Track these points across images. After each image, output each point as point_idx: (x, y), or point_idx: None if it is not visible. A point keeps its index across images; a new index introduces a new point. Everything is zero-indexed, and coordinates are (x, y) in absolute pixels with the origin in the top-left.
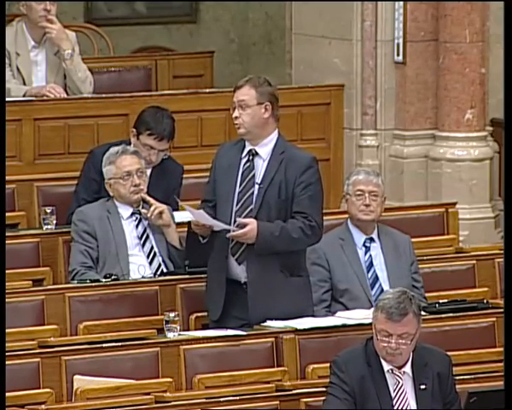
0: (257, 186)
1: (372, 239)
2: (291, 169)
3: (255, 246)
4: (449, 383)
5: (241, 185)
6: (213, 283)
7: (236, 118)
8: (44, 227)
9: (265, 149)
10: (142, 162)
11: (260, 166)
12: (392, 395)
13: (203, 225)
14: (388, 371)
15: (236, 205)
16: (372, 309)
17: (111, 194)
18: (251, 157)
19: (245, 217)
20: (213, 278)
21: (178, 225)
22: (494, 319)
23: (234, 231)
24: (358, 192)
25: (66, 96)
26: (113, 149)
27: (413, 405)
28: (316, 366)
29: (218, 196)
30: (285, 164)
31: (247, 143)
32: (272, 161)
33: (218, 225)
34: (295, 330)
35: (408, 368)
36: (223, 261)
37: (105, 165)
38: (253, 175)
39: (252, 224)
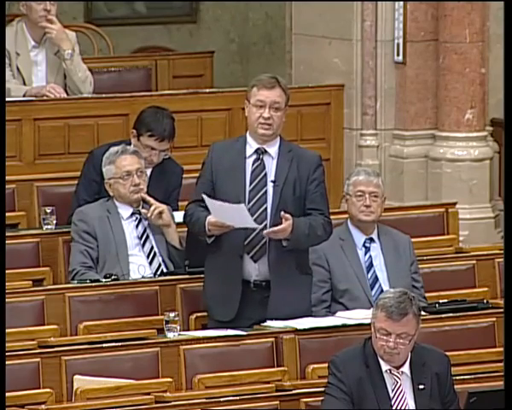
0: (271, 184)
1: (372, 239)
2: (303, 167)
3: (288, 242)
4: (447, 383)
5: (251, 184)
6: (224, 283)
7: (269, 118)
8: (44, 227)
9: (274, 147)
10: (141, 162)
11: (270, 165)
12: (391, 395)
13: (227, 226)
14: (386, 371)
15: (248, 204)
16: (372, 309)
17: (111, 194)
18: (260, 155)
19: (259, 215)
20: (224, 279)
21: (178, 225)
22: (494, 319)
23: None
24: (359, 193)
25: (66, 96)
26: (113, 149)
27: (411, 405)
28: (316, 366)
29: (222, 197)
30: (296, 162)
31: (250, 142)
32: (282, 159)
33: (248, 222)
34: (295, 330)
35: (406, 368)
36: (237, 261)
37: (105, 165)
38: (265, 174)
39: (290, 219)
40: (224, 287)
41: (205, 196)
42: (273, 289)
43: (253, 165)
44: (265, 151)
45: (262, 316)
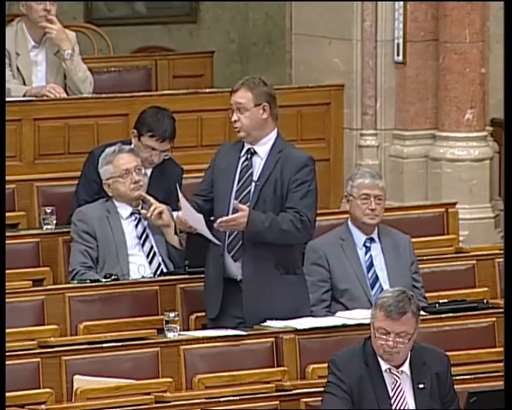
0: (253, 184)
1: (372, 239)
2: (287, 167)
3: (244, 233)
4: (447, 383)
5: (238, 183)
6: (210, 281)
7: (235, 121)
8: (44, 227)
9: (264, 147)
10: (138, 160)
11: (258, 165)
12: (391, 394)
13: (190, 227)
14: (386, 370)
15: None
16: (371, 309)
17: (110, 194)
18: (249, 156)
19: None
20: (210, 277)
21: None
22: (494, 319)
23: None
24: (364, 196)
25: (66, 96)
26: (109, 150)
27: (411, 404)
28: (316, 366)
29: (216, 195)
30: (281, 162)
31: (245, 143)
32: (269, 160)
33: (205, 233)
34: (295, 330)
35: (406, 367)
36: (218, 259)
37: (102, 166)
38: (251, 173)
39: (244, 211)
40: (209, 285)
41: (180, 194)
42: (244, 289)
43: (242, 165)
44: (255, 152)
45: None
